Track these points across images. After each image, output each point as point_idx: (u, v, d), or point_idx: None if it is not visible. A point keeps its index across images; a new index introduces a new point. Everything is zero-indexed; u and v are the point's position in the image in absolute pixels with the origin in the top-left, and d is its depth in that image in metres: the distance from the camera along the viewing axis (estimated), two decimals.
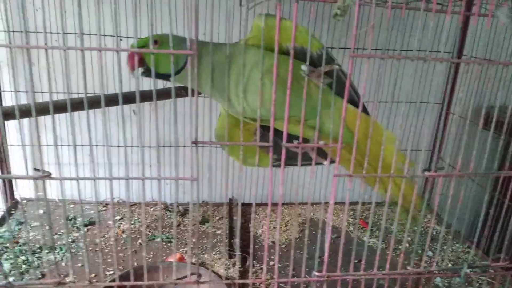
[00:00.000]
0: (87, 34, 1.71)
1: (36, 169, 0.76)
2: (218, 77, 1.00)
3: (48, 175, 0.75)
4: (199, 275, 0.89)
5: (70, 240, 1.64)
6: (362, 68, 1.90)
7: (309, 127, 1.12)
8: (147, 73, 0.98)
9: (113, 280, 1.28)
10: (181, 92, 1.34)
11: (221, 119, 1.23)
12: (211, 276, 1.39)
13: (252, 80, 1.00)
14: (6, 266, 1.45)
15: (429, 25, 0.82)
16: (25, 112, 1.27)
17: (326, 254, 0.90)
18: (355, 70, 1.90)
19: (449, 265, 1.64)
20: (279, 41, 0.72)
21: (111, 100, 1.24)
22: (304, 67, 0.95)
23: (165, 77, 0.99)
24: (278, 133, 1.03)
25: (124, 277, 1.22)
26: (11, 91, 1.80)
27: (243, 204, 2.09)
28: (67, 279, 0.82)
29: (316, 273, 0.92)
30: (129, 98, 1.46)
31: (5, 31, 1.71)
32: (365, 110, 1.20)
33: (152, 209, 1.97)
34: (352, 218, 2.00)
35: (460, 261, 1.70)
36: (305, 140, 1.15)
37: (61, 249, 1.57)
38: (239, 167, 0.82)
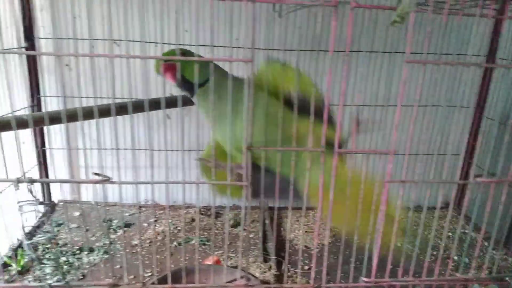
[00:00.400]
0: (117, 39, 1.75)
1: (96, 174, 0.78)
2: (220, 107, 1.01)
3: (108, 179, 0.77)
4: (248, 279, 0.90)
5: (108, 242, 1.67)
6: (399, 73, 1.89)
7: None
8: (181, 83, 1.01)
9: (162, 281, 1.30)
10: None
11: (208, 148, 1.25)
12: (250, 279, 1.40)
13: (241, 118, 1.01)
14: (48, 267, 1.50)
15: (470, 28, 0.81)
16: (71, 116, 1.31)
17: (375, 261, 0.90)
18: (394, 72, 1.89)
19: (487, 272, 1.61)
20: (281, 86, 0.80)
21: (149, 105, 1.27)
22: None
23: (191, 87, 1.01)
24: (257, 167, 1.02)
25: (163, 279, 1.24)
26: (52, 96, 1.86)
27: (272, 208, 2.09)
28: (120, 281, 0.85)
29: (364, 279, 0.92)
30: (167, 103, 1.49)
31: (41, 38, 1.77)
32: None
33: (184, 211, 1.99)
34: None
35: (498, 268, 1.66)
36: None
37: (99, 251, 1.61)
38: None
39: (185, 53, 1.04)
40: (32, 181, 0.75)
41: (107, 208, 1.97)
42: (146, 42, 1.78)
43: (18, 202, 0.78)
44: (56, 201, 1.98)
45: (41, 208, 0.68)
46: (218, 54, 1.74)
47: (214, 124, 1.05)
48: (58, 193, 1.98)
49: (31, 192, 0.77)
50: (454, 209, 2.23)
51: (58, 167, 1.96)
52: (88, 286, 0.86)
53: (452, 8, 0.81)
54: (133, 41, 1.75)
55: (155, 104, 1.45)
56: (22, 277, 1.46)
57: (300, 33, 1.89)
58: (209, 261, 1.51)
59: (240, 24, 1.80)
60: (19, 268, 1.48)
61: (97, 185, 0.79)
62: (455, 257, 1.70)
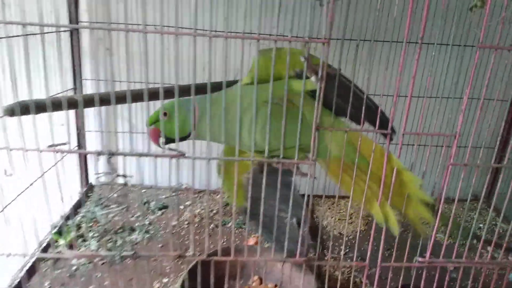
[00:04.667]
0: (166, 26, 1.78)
1: (171, 149, 0.82)
2: (218, 126, 1.01)
3: (183, 154, 0.80)
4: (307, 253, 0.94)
5: (148, 222, 1.72)
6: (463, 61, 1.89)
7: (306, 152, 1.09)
8: (167, 141, 1.04)
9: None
10: None
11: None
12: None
13: (247, 118, 1.02)
14: (93, 243, 1.55)
15: None
16: (104, 100, 1.31)
17: (431, 241, 0.93)
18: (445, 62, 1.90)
19: None
20: (280, 70, 0.81)
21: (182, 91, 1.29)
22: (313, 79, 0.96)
23: (181, 139, 1.03)
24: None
25: (214, 254, 1.28)
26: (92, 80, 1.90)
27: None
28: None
29: (419, 259, 0.95)
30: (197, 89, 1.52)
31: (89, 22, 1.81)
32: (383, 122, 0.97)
33: (218, 196, 2.03)
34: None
35: None
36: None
37: (140, 230, 1.65)
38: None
39: (169, 111, 1.04)
40: (111, 154, 0.78)
41: (143, 190, 2.02)
42: (180, 27, 1.81)
43: (96, 173, 0.82)
44: (93, 183, 2.04)
45: (120, 179, 0.71)
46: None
47: (227, 141, 1.05)
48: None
49: (109, 163, 0.81)
50: (484, 201, 2.23)
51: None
52: (156, 256, 0.90)
53: None
54: (167, 26, 1.78)
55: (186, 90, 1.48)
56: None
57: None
58: (250, 242, 1.55)
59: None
60: (66, 243, 1.54)
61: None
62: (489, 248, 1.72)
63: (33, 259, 1.39)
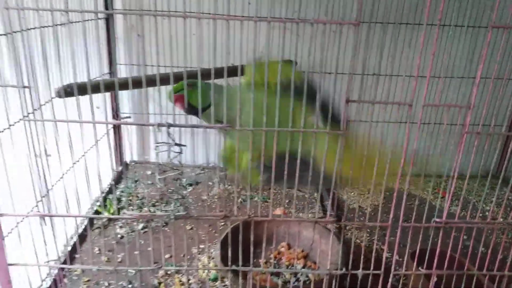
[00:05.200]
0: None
1: (218, 120, 0.94)
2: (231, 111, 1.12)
3: (230, 126, 0.92)
4: (335, 215, 1.06)
5: (181, 196, 1.86)
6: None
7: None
8: (189, 109, 1.15)
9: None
10: None
11: (226, 143, 1.36)
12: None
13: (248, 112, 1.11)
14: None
15: None
16: (136, 83, 1.42)
17: (448, 203, 1.04)
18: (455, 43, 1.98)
19: None
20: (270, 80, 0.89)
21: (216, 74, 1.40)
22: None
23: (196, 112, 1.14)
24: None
25: (238, 226, 1.41)
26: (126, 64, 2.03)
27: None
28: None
29: (436, 219, 1.06)
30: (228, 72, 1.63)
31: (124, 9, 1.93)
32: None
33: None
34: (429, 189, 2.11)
35: None
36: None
37: (175, 203, 1.80)
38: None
39: (193, 84, 1.15)
40: (170, 125, 0.91)
41: (175, 168, 2.16)
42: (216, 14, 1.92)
43: (156, 143, 0.91)
44: (128, 161, 2.19)
45: (176, 149, 0.80)
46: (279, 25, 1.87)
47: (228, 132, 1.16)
48: (129, 154, 2.19)
49: (169, 134, 0.93)
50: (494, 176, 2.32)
51: (129, 131, 2.15)
52: (204, 216, 1.04)
53: None
54: (203, 13, 1.89)
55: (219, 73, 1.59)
56: (113, 223, 1.67)
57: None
58: (276, 213, 1.68)
59: None
60: (110, 216, 1.68)
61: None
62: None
63: (84, 225, 1.55)
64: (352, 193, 2.04)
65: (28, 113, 0.90)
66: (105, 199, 1.77)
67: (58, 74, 0.97)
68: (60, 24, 1.41)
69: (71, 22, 1.54)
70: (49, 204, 1.00)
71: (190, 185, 1.98)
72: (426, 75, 0.89)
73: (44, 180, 0.95)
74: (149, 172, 2.07)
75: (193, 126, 0.92)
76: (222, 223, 1.68)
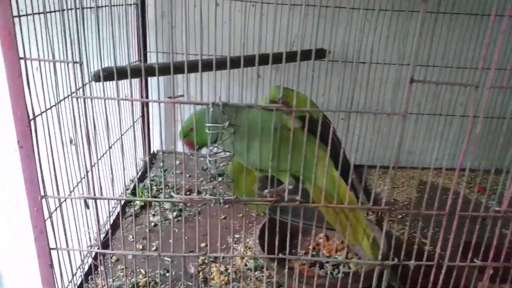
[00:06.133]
0: None
1: (274, 101, 0.90)
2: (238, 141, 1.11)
3: (283, 107, 0.88)
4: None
5: (212, 187, 1.83)
6: None
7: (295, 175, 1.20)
8: (200, 147, 1.14)
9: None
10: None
11: (232, 164, 1.34)
12: None
13: (254, 142, 1.10)
14: (167, 204, 1.67)
15: None
16: (163, 69, 1.38)
17: (509, 191, 0.99)
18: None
19: None
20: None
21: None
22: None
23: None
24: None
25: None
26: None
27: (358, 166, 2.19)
28: None
29: (496, 208, 1.01)
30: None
31: None
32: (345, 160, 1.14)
33: None
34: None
35: None
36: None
37: (206, 192, 1.76)
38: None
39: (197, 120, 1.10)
40: (225, 104, 0.87)
41: (202, 158, 2.13)
42: (247, 1, 1.88)
43: (208, 124, 0.88)
44: (155, 151, 2.17)
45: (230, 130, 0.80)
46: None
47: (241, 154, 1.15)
48: (158, 144, 2.17)
49: (223, 113, 0.90)
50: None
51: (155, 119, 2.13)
52: (253, 201, 1.01)
53: None
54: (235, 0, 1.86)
55: (263, 59, 1.56)
56: (145, 212, 1.64)
57: None
58: None
59: None
60: (142, 203, 1.66)
61: None
62: None
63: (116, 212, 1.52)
64: (386, 186, 1.99)
65: (77, 89, 0.88)
66: (134, 188, 1.75)
67: (97, 56, 0.94)
68: (88, 8, 1.35)
69: (103, 6, 1.51)
70: (91, 186, 0.97)
71: (219, 175, 1.94)
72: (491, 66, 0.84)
73: (89, 159, 0.92)
74: (177, 162, 2.04)
75: (249, 106, 0.89)
76: (255, 214, 1.64)
